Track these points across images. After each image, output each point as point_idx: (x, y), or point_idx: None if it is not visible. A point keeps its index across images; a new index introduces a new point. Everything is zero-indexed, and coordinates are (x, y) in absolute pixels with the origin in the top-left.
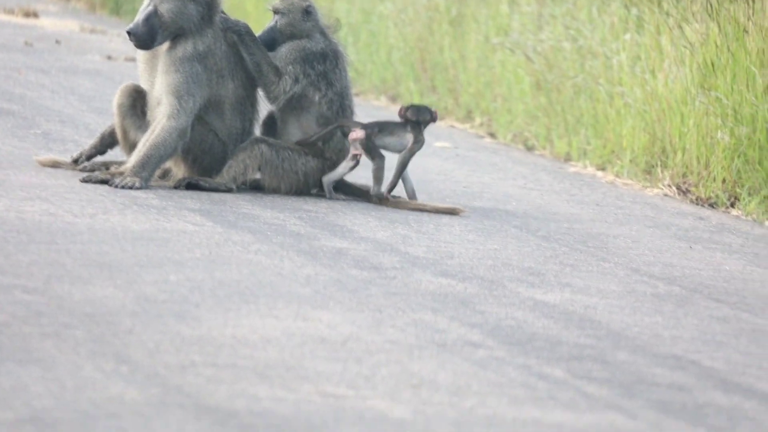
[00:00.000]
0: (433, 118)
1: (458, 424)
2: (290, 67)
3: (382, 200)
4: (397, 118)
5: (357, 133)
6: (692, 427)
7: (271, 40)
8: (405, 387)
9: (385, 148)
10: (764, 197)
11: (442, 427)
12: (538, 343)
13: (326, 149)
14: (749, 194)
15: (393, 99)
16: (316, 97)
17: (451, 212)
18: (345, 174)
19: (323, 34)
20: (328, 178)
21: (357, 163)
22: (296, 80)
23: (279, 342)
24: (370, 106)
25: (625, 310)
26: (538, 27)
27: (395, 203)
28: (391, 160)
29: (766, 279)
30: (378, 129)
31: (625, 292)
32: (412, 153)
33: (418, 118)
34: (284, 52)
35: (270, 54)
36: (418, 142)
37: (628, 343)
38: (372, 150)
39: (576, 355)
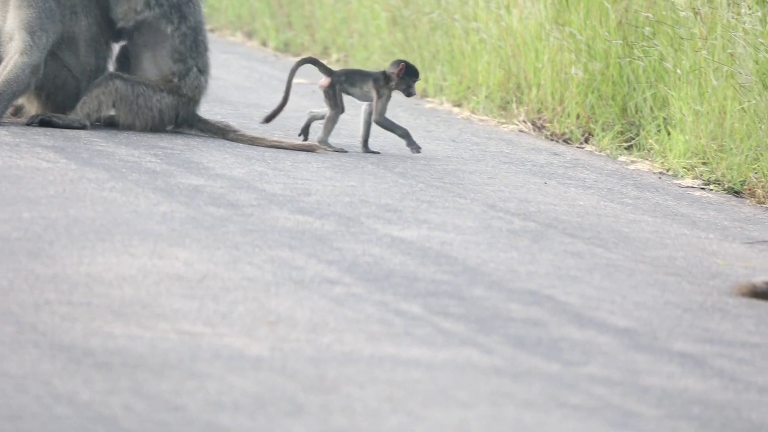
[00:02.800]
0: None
1: (315, 360)
2: None
3: (320, 147)
4: (368, 68)
5: (322, 82)
6: (547, 362)
7: None
8: (262, 324)
9: (353, 96)
10: (617, 133)
11: (299, 364)
12: (395, 280)
13: (183, 86)
14: (603, 130)
15: (248, 35)
16: (169, 30)
17: (308, 149)
18: (328, 123)
19: None
20: (323, 138)
21: (329, 119)
22: (148, 4)
23: (135, 280)
24: (226, 42)
25: (481, 246)
26: None
27: (251, 140)
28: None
29: (619, 214)
30: (344, 77)
31: (481, 228)
32: (381, 111)
33: (405, 79)
34: None
35: None
36: (383, 96)
37: (484, 278)
38: (332, 98)
39: (432, 291)
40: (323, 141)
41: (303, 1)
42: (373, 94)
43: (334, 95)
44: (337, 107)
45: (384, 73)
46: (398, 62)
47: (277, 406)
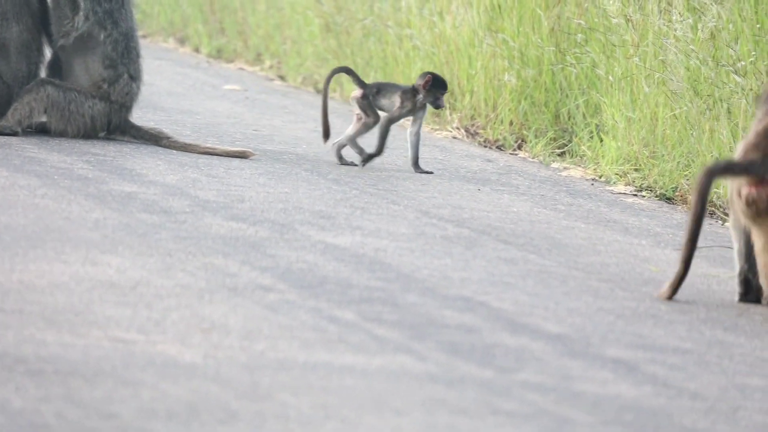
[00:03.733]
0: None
1: (249, 368)
2: (82, 3)
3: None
4: (398, 82)
5: (355, 92)
6: (481, 368)
7: None
8: (195, 331)
9: (382, 109)
10: (550, 139)
11: (233, 371)
12: (328, 287)
13: (112, 92)
14: (536, 136)
15: (181, 41)
16: (101, 36)
17: (242, 155)
18: (354, 136)
19: None
20: (337, 143)
21: (364, 124)
22: (86, 18)
23: (67, 287)
24: (159, 48)
25: (415, 252)
26: None
27: (184, 147)
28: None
29: (552, 221)
30: (376, 90)
31: (415, 235)
32: (392, 118)
33: (432, 91)
34: None
35: None
36: (403, 108)
37: (418, 285)
38: (367, 108)
39: (366, 297)
40: (351, 139)
41: (236, 7)
42: (396, 104)
43: (369, 105)
44: (374, 115)
45: (413, 86)
46: (425, 74)
47: (210, 413)
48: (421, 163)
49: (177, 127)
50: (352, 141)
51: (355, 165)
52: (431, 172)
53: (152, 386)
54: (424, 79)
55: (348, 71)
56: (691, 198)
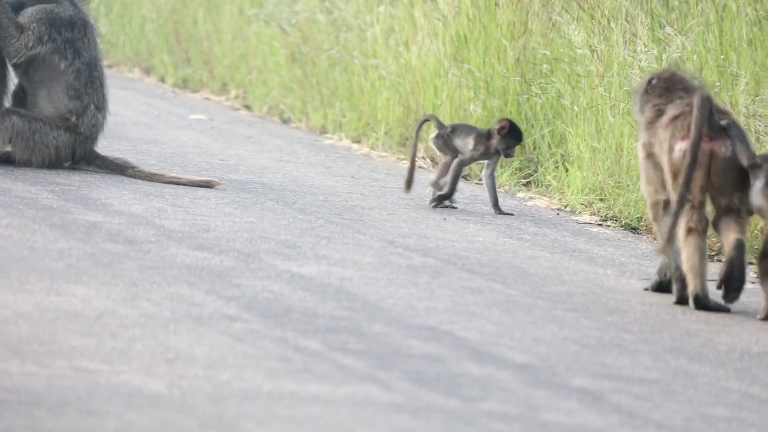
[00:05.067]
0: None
1: (214, 397)
2: (35, 24)
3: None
4: (475, 123)
5: (432, 134)
6: (446, 398)
7: (19, 4)
8: (160, 361)
9: (455, 149)
10: (516, 169)
11: (198, 401)
12: (294, 316)
13: (81, 124)
14: (501, 166)
15: (147, 71)
16: (63, 66)
17: (207, 185)
18: (440, 177)
19: (72, 2)
20: (435, 181)
21: (443, 164)
22: (40, 39)
23: (31, 317)
24: (124, 79)
25: (381, 281)
26: None
27: (150, 176)
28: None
29: (518, 250)
30: (451, 130)
31: (381, 264)
32: (463, 160)
33: (507, 138)
34: (30, 12)
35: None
36: (476, 151)
37: (384, 314)
38: (443, 148)
39: (332, 327)
40: (435, 183)
41: (201, 37)
42: (470, 146)
43: (445, 144)
44: (451, 153)
45: (489, 130)
46: (503, 120)
47: None
48: (388, 192)
49: (142, 156)
50: (436, 183)
51: (454, 207)
52: (511, 214)
53: (117, 416)
54: (500, 125)
55: (433, 118)
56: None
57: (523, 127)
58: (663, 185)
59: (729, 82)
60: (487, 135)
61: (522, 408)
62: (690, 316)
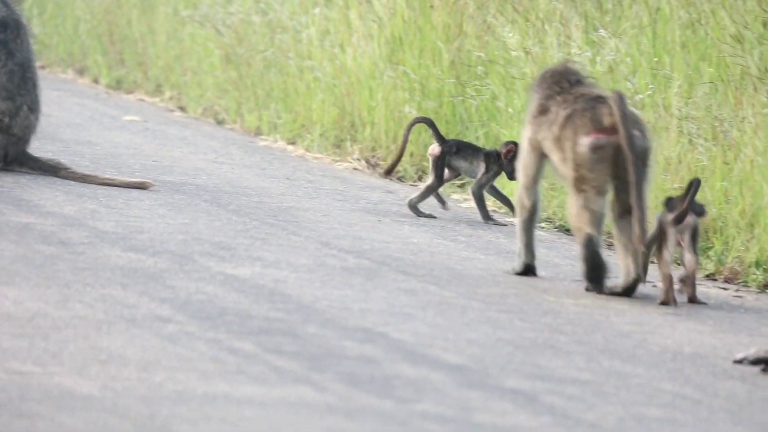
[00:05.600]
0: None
1: (147, 399)
2: None
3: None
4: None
5: (433, 149)
6: (380, 399)
7: None
8: (93, 363)
9: (458, 170)
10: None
11: (131, 403)
12: (228, 318)
13: (13, 125)
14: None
15: (80, 72)
16: None
17: (141, 186)
18: (425, 191)
19: (5, 3)
20: (414, 202)
21: (427, 187)
22: None
23: None
24: (58, 80)
25: (315, 283)
26: (227, 0)
27: (83, 178)
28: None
29: (452, 252)
30: (456, 149)
31: (315, 266)
32: (480, 184)
33: (513, 161)
34: None
35: None
36: (490, 171)
37: (318, 316)
38: (436, 169)
39: (266, 328)
40: (413, 205)
41: (135, 38)
42: (481, 168)
43: (441, 166)
44: (438, 180)
45: (496, 150)
46: (508, 143)
47: None
48: (323, 194)
49: (76, 158)
50: (414, 205)
51: (434, 217)
52: (505, 225)
53: (49, 418)
54: (506, 149)
55: (430, 123)
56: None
57: (457, 129)
58: (538, 174)
59: (662, 84)
60: (496, 155)
61: (456, 409)
62: (623, 317)
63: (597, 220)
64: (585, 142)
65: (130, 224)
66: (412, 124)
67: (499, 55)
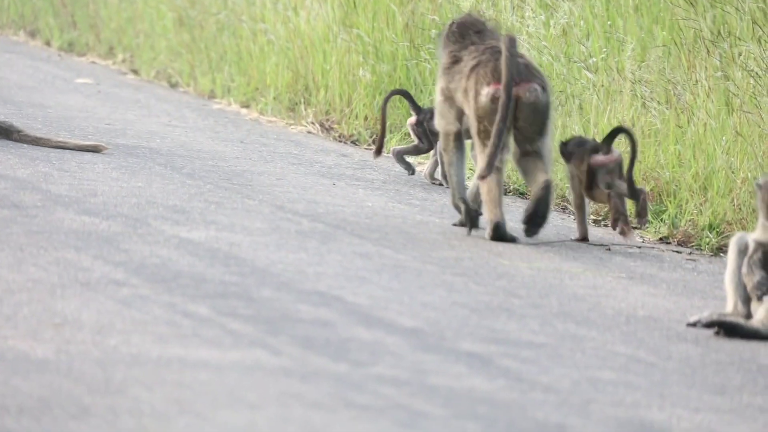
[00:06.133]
0: None
1: (102, 362)
2: None
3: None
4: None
5: (411, 120)
6: (335, 362)
7: None
8: (47, 326)
9: (436, 134)
10: (405, 134)
11: (86, 366)
12: (182, 281)
13: None
14: (390, 131)
15: (32, 34)
16: None
17: (94, 149)
18: (408, 152)
19: None
20: (430, 172)
21: (415, 147)
22: None
23: None
24: (9, 42)
25: (270, 247)
26: None
27: (36, 140)
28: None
29: (407, 215)
30: (431, 116)
31: (270, 229)
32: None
33: None
34: None
35: None
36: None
37: (273, 279)
38: (422, 135)
39: (221, 292)
40: (430, 174)
41: (87, 0)
42: None
43: (424, 132)
44: (427, 143)
45: None
46: None
47: (62, 408)
48: (277, 158)
49: (28, 120)
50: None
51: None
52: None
53: (3, 382)
54: None
55: (405, 94)
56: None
57: (411, 92)
58: (456, 119)
59: (615, 48)
60: None
61: (411, 372)
62: (577, 281)
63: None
64: (485, 92)
65: (84, 187)
66: (388, 97)
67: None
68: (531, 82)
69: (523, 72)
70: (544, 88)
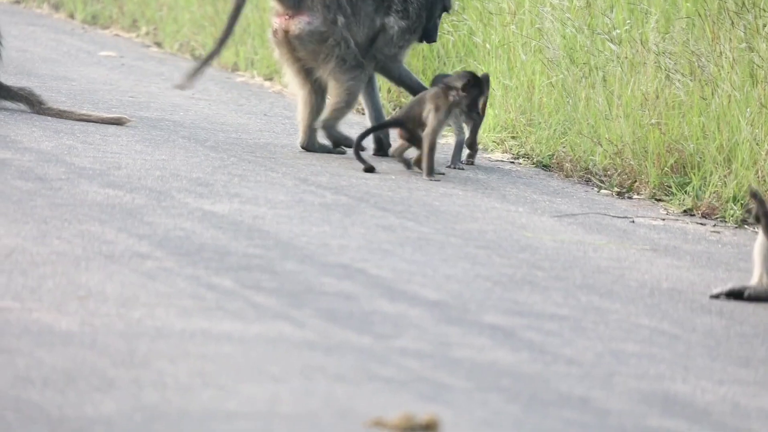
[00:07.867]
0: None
1: (126, 335)
2: None
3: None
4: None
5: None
6: (359, 335)
7: None
8: (72, 299)
9: None
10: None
11: (110, 339)
12: (206, 254)
13: None
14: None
15: (56, 7)
16: None
17: (118, 122)
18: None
19: None
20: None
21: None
22: None
23: None
24: (33, 14)
25: (294, 219)
26: None
27: (60, 113)
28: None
29: (430, 188)
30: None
31: (294, 202)
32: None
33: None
34: None
35: None
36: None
37: (297, 252)
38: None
39: (245, 265)
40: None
41: None
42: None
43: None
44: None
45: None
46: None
47: (87, 381)
48: (293, 129)
49: (52, 93)
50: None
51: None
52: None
53: (28, 354)
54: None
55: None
56: None
57: (435, 64)
58: None
59: (639, 19)
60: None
61: (434, 345)
62: (601, 253)
63: (313, 109)
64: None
65: (108, 160)
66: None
67: None
68: (304, 15)
69: (295, 4)
70: (315, 20)
